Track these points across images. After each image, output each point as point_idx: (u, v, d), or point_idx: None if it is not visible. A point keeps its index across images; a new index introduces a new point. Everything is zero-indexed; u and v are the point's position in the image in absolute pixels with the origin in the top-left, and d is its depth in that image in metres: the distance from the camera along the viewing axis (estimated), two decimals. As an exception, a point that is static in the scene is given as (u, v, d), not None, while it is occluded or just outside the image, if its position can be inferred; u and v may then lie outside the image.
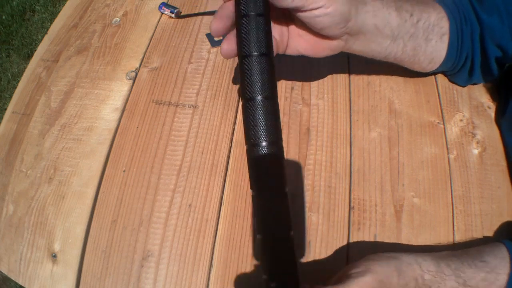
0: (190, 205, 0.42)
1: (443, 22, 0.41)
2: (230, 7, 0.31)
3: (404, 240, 0.41)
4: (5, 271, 0.40)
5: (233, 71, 0.52)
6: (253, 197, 0.27)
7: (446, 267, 0.34)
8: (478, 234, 0.41)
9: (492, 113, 0.50)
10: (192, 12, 0.57)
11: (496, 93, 0.51)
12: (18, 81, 0.52)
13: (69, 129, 0.47)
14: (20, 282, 0.39)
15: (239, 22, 0.28)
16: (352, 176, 0.44)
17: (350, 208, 0.42)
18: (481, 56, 0.43)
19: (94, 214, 0.41)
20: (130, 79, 0.51)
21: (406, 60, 0.43)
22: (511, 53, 0.42)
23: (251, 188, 0.27)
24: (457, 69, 0.46)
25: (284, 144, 0.45)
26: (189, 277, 0.38)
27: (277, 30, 0.36)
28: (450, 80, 0.50)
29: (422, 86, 0.50)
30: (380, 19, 0.37)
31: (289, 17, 0.36)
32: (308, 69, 0.52)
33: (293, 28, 0.37)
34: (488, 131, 0.48)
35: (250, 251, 0.40)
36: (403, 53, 0.41)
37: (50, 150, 0.45)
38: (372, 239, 0.41)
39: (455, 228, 0.42)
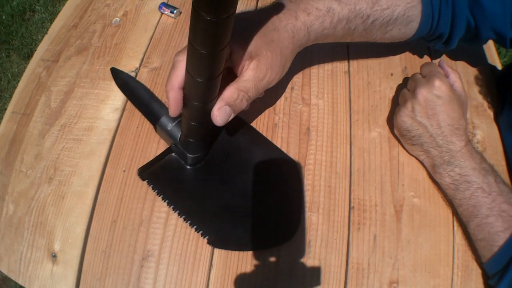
0: (190, 205, 0.42)
1: (411, 11, 0.40)
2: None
3: (404, 240, 0.41)
4: (5, 271, 0.40)
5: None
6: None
7: None
8: (478, 234, 0.41)
9: (492, 113, 0.50)
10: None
11: (496, 93, 0.51)
12: (18, 81, 0.52)
13: (69, 129, 0.47)
14: (20, 282, 0.39)
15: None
16: (352, 176, 0.44)
17: (350, 208, 0.42)
18: (469, 38, 0.45)
19: (94, 214, 0.41)
20: (130, 79, 0.51)
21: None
22: (508, 42, 0.43)
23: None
24: (429, 39, 0.46)
25: (284, 144, 0.46)
26: (189, 277, 0.38)
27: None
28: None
29: (422, 86, 0.50)
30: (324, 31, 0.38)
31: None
32: (308, 69, 0.52)
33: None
34: (488, 131, 0.48)
35: (250, 251, 0.40)
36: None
37: (50, 150, 0.45)
38: (372, 239, 0.41)
39: (455, 228, 0.42)
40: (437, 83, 0.40)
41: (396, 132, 0.45)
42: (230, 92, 0.33)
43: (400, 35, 0.43)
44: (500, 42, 0.46)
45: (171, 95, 0.33)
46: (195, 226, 0.40)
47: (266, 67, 0.34)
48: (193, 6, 0.25)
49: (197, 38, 0.28)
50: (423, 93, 0.41)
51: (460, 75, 0.44)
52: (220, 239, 0.39)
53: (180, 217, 0.41)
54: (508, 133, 0.47)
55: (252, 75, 0.33)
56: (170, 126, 0.42)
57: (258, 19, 0.34)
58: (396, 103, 0.46)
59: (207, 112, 0.36)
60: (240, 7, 0.58)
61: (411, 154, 0.45)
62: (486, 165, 0.39)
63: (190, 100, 0.34)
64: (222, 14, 0.25)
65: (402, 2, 0.39)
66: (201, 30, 0.27)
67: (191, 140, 0.40)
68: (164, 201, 0.41)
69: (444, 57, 0.54)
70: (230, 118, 0.35)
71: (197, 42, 0.28)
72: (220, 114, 0.33)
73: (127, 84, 0.48)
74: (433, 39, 0.46)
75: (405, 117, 0.42)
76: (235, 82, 0.34)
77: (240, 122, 0.47)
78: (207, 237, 0.39)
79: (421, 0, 0.41)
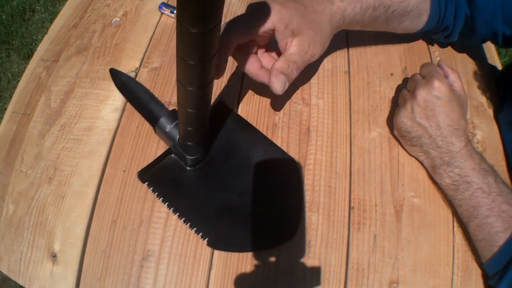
0: (190, 205, 0.42)
1: (422, 5, 0.45)
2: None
3: (404, 240, 0.41)
4: (5, 271, 0.40)
5: (232, 71, 0.52)
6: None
7: None
8: (478, 234, 0.41)
9: (492, 113, 0.50)
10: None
11: (496, 93, 0.51)
12: (18, 81, 0.52)
13: (69, 129, 0.47)
14: (20, 282, 0.39)
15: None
16: (352, 176, 0.44)
17: (350, 208, 0.42)
18: (466, 31, 0.48)
19: (94, 214, 0.41)
20: (130, 79, 0.51)
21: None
22: (500, 38, 0.46)
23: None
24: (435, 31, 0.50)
25: (284, 144, 0.46)
26: (189, 277, 0.38)
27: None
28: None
29: (422, 86, 0.50)
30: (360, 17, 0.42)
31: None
32: (308, 69, 0.52)
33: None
34: (488, 131, 0.48)
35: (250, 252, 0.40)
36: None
37: (50, 150, 0.45)
38: (372, 239, 0.41)
39: (455, 228, 0.42)
40: (437, 83, 0.40)
41: (395, 133, 0.45)
42: (281, 63, 0.37)
43: (411, 26, 0.47)
44: (493, 39, 0.47)
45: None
46: (195, 228, 0.40)
47: (308, 42, 0.38)
48: (177, 19, 0.25)
49: (184, 50, 0.28)
50: (422, 94, 0.41)
51: (459, 75, 0.44)
52: (219, 240, 0.39)
53: (180, 219, 0.41)
54: (508, 131, 0.47)
55: (296, 49, 0.37)
56: (168, 128, 0.42)
57: (298, 2, 0.38)
58: (396, 103, 0.46)
59: (202, 118, 0.36)
60: (240, 7, 0.58)
61: (411, 155, 0.45)
62: (486, 166, 0.39)
63: (184, 107, 0.34)
64: (207, 25, 0.25)
65: None
66: (188, 42, 0.27)
67: (189, 143, 0.40)
68: (164, 203, 0.41)
69: (446, 52, 0.54)
70: (286, 87, 0.38)
71: (184, 53, 0.28)
72: (277, 81, 0.37)
73: (126, 85, 0.48)
74: (438, 32, 0.49)
75: (404, 118, 0.42)
76: (282, 56, 0.37)
77: (240, 121, 0.47)
78: (207, 238, 0.39)
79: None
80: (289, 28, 0.37)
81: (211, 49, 0.28)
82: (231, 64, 0.52)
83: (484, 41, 0.52)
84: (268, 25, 0.36)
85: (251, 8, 0.37)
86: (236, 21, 0.36)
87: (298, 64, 0.38)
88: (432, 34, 0.51)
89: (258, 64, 0.39)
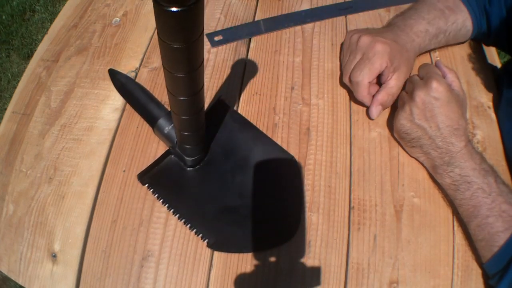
0: (190, 205, 0.42)
1: (467, 22, 0.51)
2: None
3: (404, 240, 0.41)
4: (5, 271, 0.40)
5: (232, 71, 0.52)
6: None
7: None
8: (478, 234, 0.41)
9: (492, 113, 0.50)
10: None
11: (496, 93, 0.51)
12: (18, 81, 0.52)
13: (69, 129, 0.47)
14: (20, 282, 0.39)
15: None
16: (352, 176, 0.44)
17: (350, 208, 0.42)
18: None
19: (94, 214, 0.41)
20: (130, 79, 0.51)
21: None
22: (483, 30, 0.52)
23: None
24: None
25: (284, 144, 0.46)
26: (189, 277, 0.38)
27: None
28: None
29: (422, 86, 0.50)
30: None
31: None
32: (308, 69, 0.52)
33: None
34: (488, 131, 0.48)
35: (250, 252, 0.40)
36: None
37: (50, 150, 0.45)
38: (372, 239, 0.41)
39: (455, 228, 0.42)
40: (434, 84, 0.41)
41: (395, 135, 0.45)
42: (382, 96, 0.45)
43: (463, 39, 0.54)
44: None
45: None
46: (195, 229, 0.40)
47: (404, 77, 0.46)
48: (158, 35, 0.25)
49: (169, 64, 0.28)
50: (420, 95, 0.41)
51: (457, 74, 0.44)
52: (219, 241, 0.39)
53: (180, 220, 0.41)
54: (507, 120, 0.47)
55: (395, 83, 0.45)
56: (167, 129, 0.42)
57: (396, 41, 0.46)
58: (396, 104, 0.46)
59: (196, 123, 0.36)
60: (240, 7, 0.58)
61: (411, 156, 0.45)
62: (486, 166, 0.39)
63: (177, 114, 0.34)
64: (187, 41, 0.25)
65: (460, 17, 0.50)
66: (171, 56, 0.27)
67: (187, 146, 0.40)
68: (164, 205, 0.41)
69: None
70: (380, 113, 0.47)
71: (170, 67, 0.28)
72: (376, 111, 0.46)
73: (124, 85, 0.48)
74: (483, 37, 0.54)
75: (403, 120, 0.43)
76: (384, 88, 0.46)
77: (240, 119, 0.47)
78: (207, 240, 0.39)
79: (469, 13, 0.50)
80: (393, 66, 0.45)
81: (196, 60, 0.28)
82: (231, 64, 0.52)
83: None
84: (383, 66, 0.44)
85: (370, 52, 0.45)
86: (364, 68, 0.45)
87: (395, 96, 0.46)
88: (480, 39, 0.55)
89: (367, 91, 0.46)
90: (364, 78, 0.45)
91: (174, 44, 0.25)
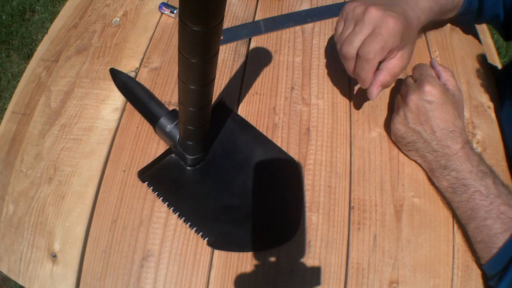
0: (190, 205, 0.42)
1: None
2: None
3: (404, 240, 0.41)
4: (5, 271, 0.40)
5: (232, 71, 0.52)
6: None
7: None
8: (478, 234, 0.41)
9: (492, 113, 0.50)
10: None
11: (496, 93, 0.51)
12: (18, 81, 0.52)
13: (69, 129, 0.47)
14: (20, 282, 0.39)
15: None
16: (352, 176, 0.44)
17: (350, 208, 0.42)
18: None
19: (94, 214, 0.41)
20: (130, 79, 0.51)
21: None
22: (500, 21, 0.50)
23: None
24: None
25: (284, 144, 0.46)
26: (189, 277, 0.38)
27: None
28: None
29: (422, 86, 0.50)
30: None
31: None
32: (308, 69, 0.52)
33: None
34: (488, 131, 0.48)
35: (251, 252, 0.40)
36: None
37: (50, 150, 0.45)
38: (372, 239, 0.41)
39: (455, 228, 0.42)
40: (427, 88, 0.40)
41: (392, 138, 0.45)
42: (384, 76, 0.41)
43: (451, 14, 0.51)
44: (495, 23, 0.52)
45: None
46: (195, 228, 0.40)
47: (408, 57, 0.42)
48: (179, 17, 0.25)
49: (186, 48, 0.28)
50: (413, 99, 0.41)
51: (453, 73, 0.44)
52: (220, 240, 0.39)
53: (180, 218, 0.41)
54: (511, 122, 0.47)
55: (399, 63, 0.41)
56: (168, 127, 0.42)
57: (407, 21, 0.42)
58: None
59: (202, 117, 0.36)
60: (240, 7, 0.58)
61: (410, 158, 0.45)
62: (484, 167, 0.39)
63: (185, 105, 0.34)
64: (209, 24, 0.25)
65: None
66: (189, 40, 0.27)
67: (189, 142, 0.40)
68: (164, 203, 0.41)
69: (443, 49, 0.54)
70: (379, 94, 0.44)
71: (186, 51, 0.28)
72: (377, 92, 0.42)
73: (126, 84, 0.48)
74: (467, 13, 0.52)
75: (398, 125, 0.43)
76: (386, 68, 0.42)
77: (240, 121, 0.47)
78: (206, 238, 0.39)
79: None
80: (402, 43, 0.40)
81: (214, 47, 0.28)
82: (231, 64, 0.52)
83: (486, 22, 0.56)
84: (394, 45, 0.40)
85: (384, 28, 0.40)
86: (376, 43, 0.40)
87: (396, 77, 0.42)
88: (462, 16, 0.53)
89: (374, 70, 0.42)
90: (376, 56, 0.40)
91: (195, 27, 0.25)
